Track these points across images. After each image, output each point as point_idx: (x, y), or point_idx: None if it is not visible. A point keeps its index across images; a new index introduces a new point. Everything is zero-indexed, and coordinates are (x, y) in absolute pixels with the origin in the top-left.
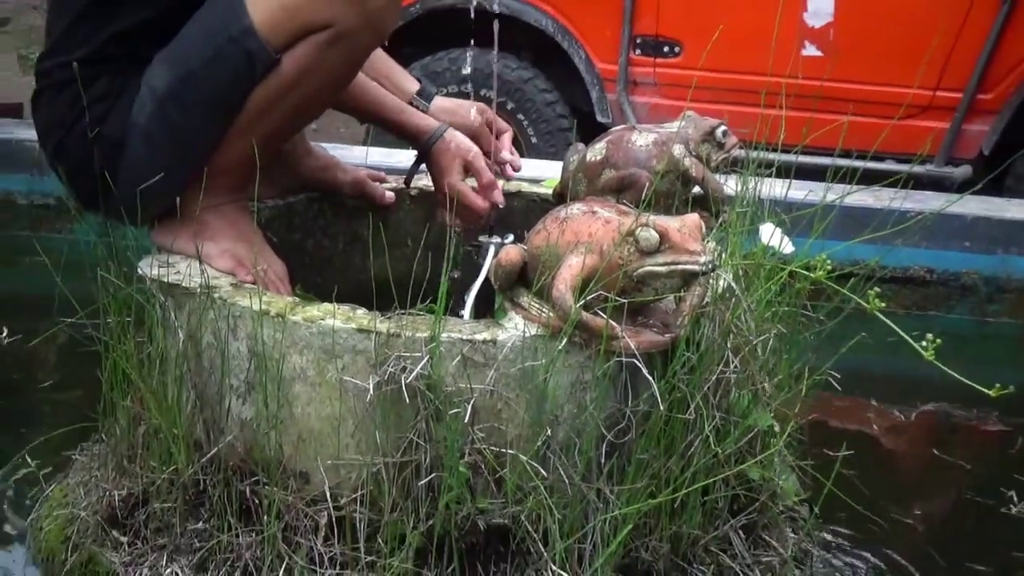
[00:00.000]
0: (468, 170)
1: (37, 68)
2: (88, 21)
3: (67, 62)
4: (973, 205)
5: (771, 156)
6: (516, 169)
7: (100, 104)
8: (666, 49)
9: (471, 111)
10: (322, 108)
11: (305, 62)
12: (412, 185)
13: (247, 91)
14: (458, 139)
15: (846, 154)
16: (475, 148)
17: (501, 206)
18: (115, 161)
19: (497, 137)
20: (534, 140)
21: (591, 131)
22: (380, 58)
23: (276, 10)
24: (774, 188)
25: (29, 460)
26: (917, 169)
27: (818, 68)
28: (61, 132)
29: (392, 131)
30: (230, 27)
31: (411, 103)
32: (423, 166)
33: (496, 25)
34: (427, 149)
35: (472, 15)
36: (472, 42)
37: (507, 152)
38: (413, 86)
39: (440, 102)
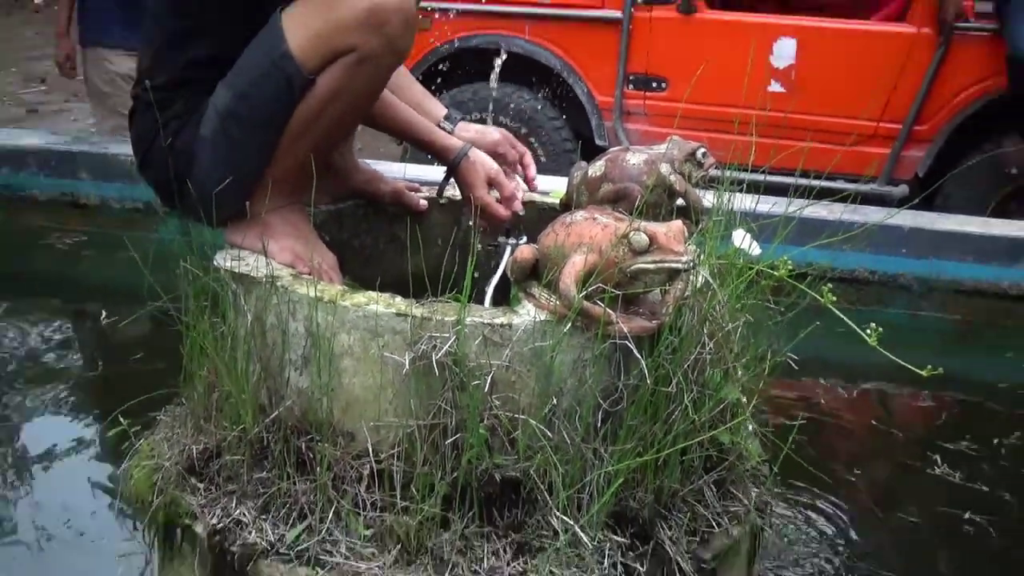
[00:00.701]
0: (491, 184)
1: (131, 93)
2: (167, 54)
3: (151, 87)
4: (909, 218)
5: (742, 175)
6: (533, 189)
7: (176, 121)
8: (654, 85)
9: (494, 135)
10: (355, 122)
11: (336, 82)
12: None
13: (290, 108)
14: (481, 157)
15: (805, 174)
16: (496, 166)
17: (521, 214)
18: (188, 170)
19: (521, 158)
20: (543, 159)
21: (591, 152)
22: (413, 87)
23: (309, 38)
24: (744, 201)
25: (122, 420)
26: (863, 188)
27: (782, 102)
28: (146, 145)
29: (423, 149)
30: (272, 53)
31: (439, 125)
32: (452, 180)
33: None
34: (455, 166)
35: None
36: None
37: (532, 170)
38: (441, 111)
39: (464, 126)
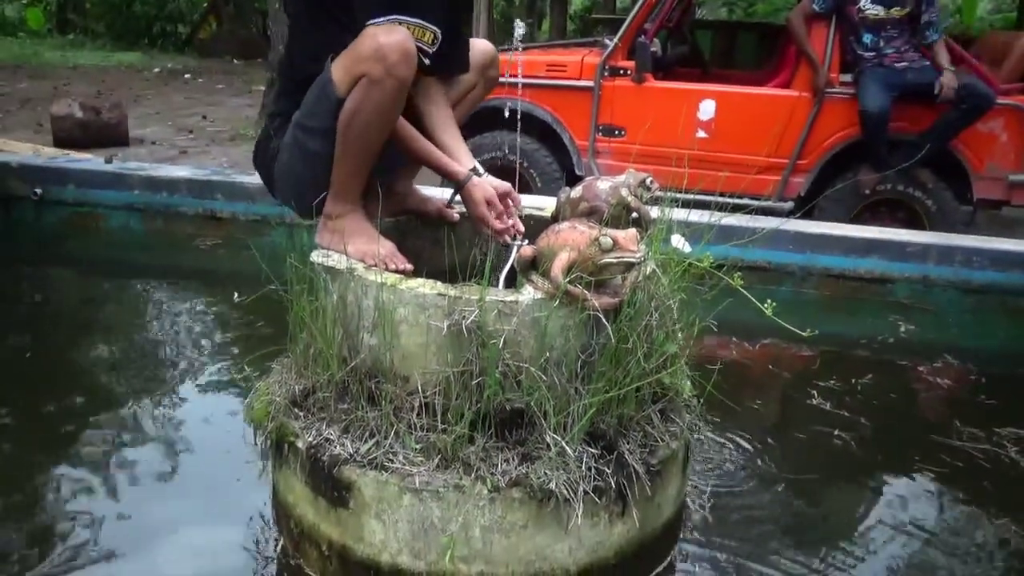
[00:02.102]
0: (489, 203)
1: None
2: (282, 79)
3: (269, 116)
4: (793, 224)
5: (679, 195)
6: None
7: (277, 130)
8: (616, 132)
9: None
10: (378, 135)
11: (355, 100)
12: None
13: (334, 121)
14: (482, 183)
15: (722, 194)
16: (492, 191)
17: (521, 230)
18: (275, 164)
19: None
20: (539, 185)
21: (573, 180)
22: (448, 130)
23: (342, 68)
24: (679, 214)
25: (246, 367)
26: (762, 203)
27: (706, 145)
28: (258, 146)
29: (439, 173)
30: (323, 80)
31: (472, 170)
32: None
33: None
34: (462, 187)
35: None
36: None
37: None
38: (466, 155)
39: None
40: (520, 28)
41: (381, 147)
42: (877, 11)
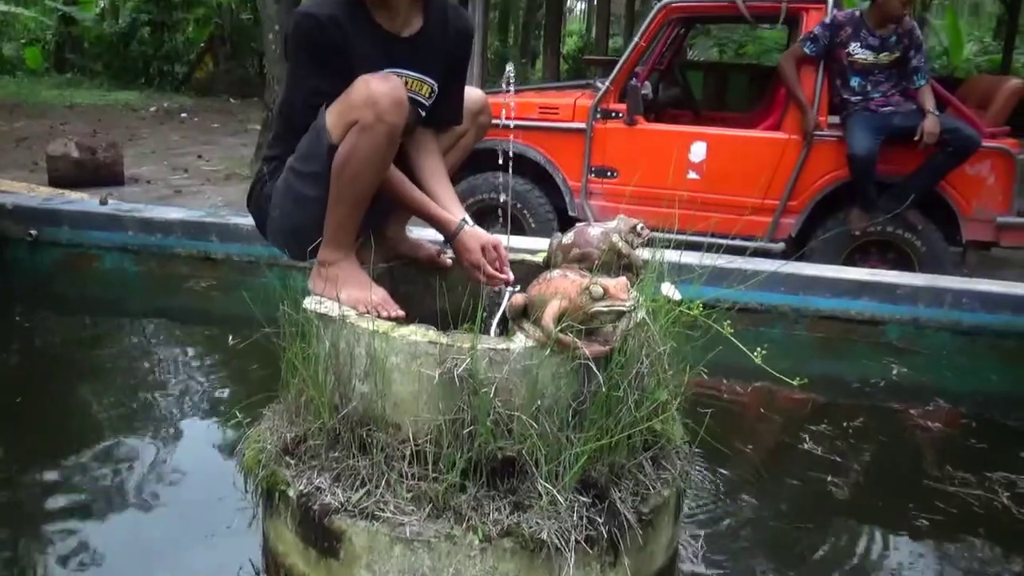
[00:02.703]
0: (484, 250)
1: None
2: (277, 126)
3: (263, 160)
4: (786, 267)
5: (671, 236)
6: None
7: (271, 174)
8: (608, 174)
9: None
10: (371, 181)
11: (348, 145)
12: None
13: (327, 167)
14: (476, 231)
15: (714, 235)
16: (486, 239)
17: (512, 279)
18: (268, 206)
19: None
20: (533, 226)
21: (566, 221)
22: (439, 180)
23: (335, 115)
24: (672, 255)
25: (238, 413)
26: (754, 244)
27: (698, 186)
28: (251, 189)
29: (429, 222)
30: (317, 127)
31: (463, 220)
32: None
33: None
34: (453, 237)
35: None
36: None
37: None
38: (455, 204)
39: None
40: (511, 71)
41: (373, 194)
42: (866, 56)
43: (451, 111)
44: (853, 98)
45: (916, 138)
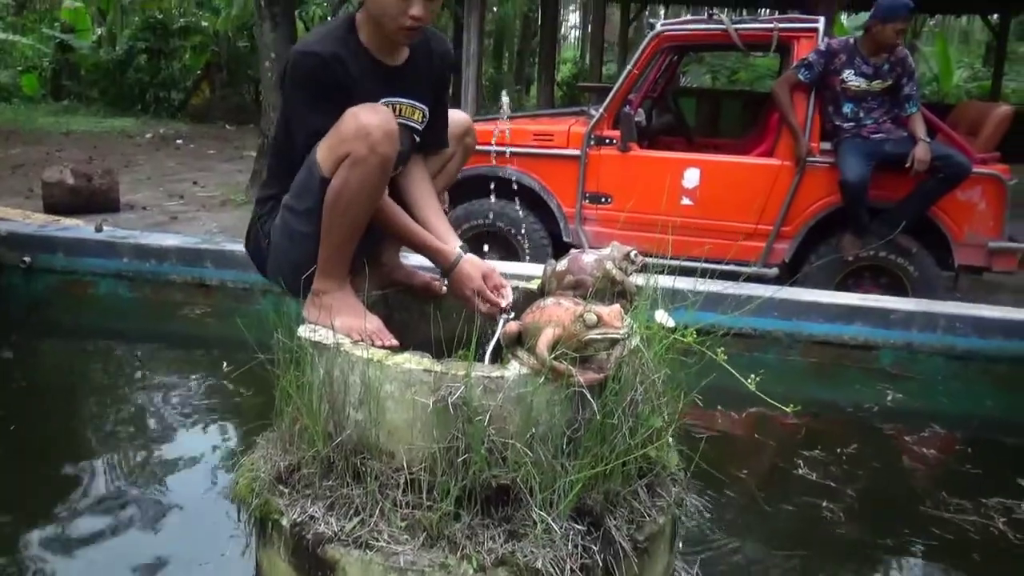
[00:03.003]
0: (485, 278)
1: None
2: (271, 164)
3: (260, 188)
4: (779, 292)
5: (665, 262)
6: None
7: (267, 214)
8: (603, 200)
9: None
10: (363, 213)
11: (340, 179)
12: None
13: (320, 201)
14: (476, 260)
15: (708, 261)
16: (486, 267)
17: (510, 302)
18: (266, 246)
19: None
20: (527, 251)
21: (560, 247)
22: (430, 206)
23: (326, 149)
24: (666, 282)
25: (232, 442)
26: (748, 270)
27: (691, 212)
28: (248, 229)
29: (424, 253)
30: (309, 162)
31: (460, 248)
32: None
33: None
34: (453, 267)
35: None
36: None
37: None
38: (447, 229)
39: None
40: (505, 100)
41: (366, 224)
42: (859, 83)
43: (437, 135)
44: (845, 124)
45: (907, 165)
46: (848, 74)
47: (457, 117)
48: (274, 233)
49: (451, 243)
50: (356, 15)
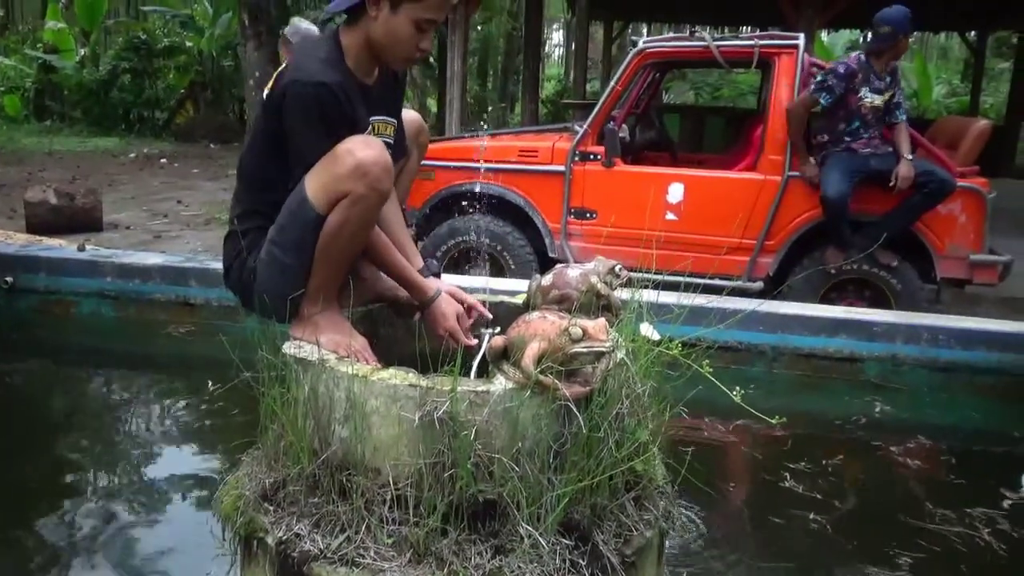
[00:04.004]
0: (458, 319)
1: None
2: (245, 197)
3: (237, 224)
4: (763, 306)
5: (649, 276)
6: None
7: (248, 248)
8: (587, 215)
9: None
10: (360, 245)
11: (339, 217)
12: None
13: (312, 236)
14: (449, 300)
15: (693, 275)
16: (459, 307)
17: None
18: (252, 280)
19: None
20: (512, 267)
21: (545, 262)
22: (402, 232)
23: (319, 187)
24: (650, 296)
25: (217, 460)
26: (732, 284)
27: (675, 227)
28: (228, 262)
29: (403, 285)
30: (298, 198)
31: (420, 271)
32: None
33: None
34: (427, 306)
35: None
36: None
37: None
38: (416, 255)
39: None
40: (486, 127)
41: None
42: (874, 99)
43: (402, 144)
44: (846, 139)
45: (891, 184)
46: (864, 91)
47: (409, 116)
48: (260, 267)
49: (415, 263)
50: (340, 38)
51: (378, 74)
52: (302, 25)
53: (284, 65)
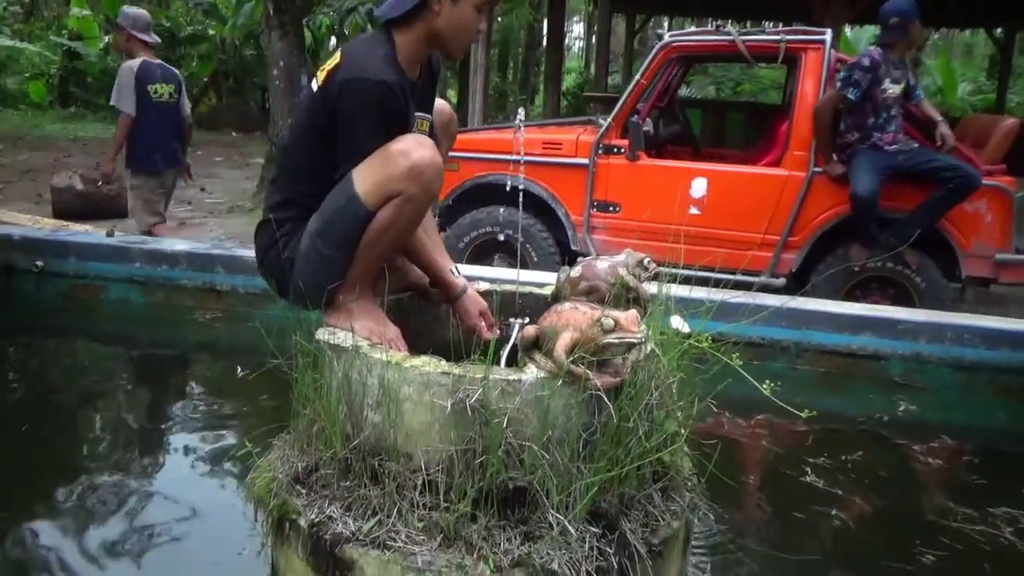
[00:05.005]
0: (482, 314)
1: (264, 217)
2: (282, 186)
3: (272, 214)
4: (787, 301)
5: (674, 271)
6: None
7: (286, 237)
8: (611, 208)
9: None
10: (404, 241)
11: (389, 215)
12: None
13: (358, 232)
14: (475, 297)
15: (715, 270)
16: (484, 304)
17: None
18: (291, 270)
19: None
20: (535, 260)
21: (568, 255)
22: (435, 246)
23: (371, 186)
24: (677, 290)
25: (248, 443)
26: (756, 279)
27: (698, 221)
28: (263, 252)
29: (433, 281)
30: (347, 194)
31: (451, 270)
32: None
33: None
34: (456, 300)
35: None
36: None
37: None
38: (445, 256)
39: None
40: (521, 113)
41: None
42: (895, 90)
43: (433, 138)
44: (876, 133)
45: (938, 144)
46: (886, 83)
47: (440, 106)
48: (300, 258)
49: (445, 265)
50: (394, 36)
51: (420, 71)
52: (131, 11)
53: (333, 60)
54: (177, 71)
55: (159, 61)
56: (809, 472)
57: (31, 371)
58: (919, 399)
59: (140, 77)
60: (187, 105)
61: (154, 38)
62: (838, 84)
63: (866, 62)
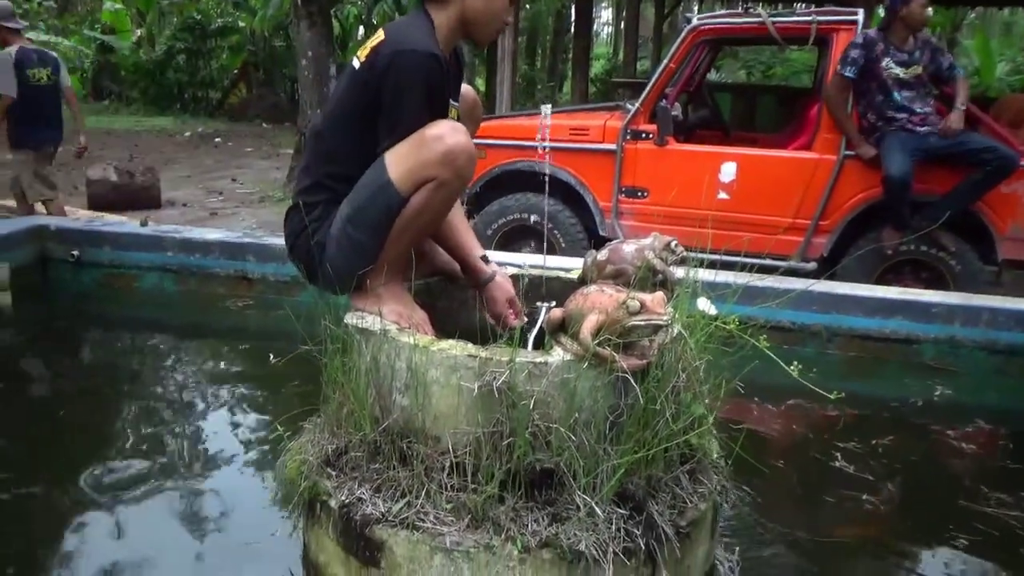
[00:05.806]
0: (510, 302)
1: (292, 201)
2: (313, 169)
3: (301, 198)
4: (817, 285)
5: (703, 256)
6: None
7: (316, 222)
8: (639, 194)
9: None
10: (436, 226)
11: (422, 200)
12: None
13: (391, 218)
14: (503, 283)
15: (746, 255)
16: (512, 291)
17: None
18: (321, 256)
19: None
20: (563, 245)
21: (596, 240)
22: (465, 232)
23: (404, 171)
24: (705, 275)
25: (279, 427)
26: (786, 264)
27: (728, 206)
28: (294, 238)
29: (462, 266)
30: (379, 180)
31: (482, 257)
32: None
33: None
34: (484, 285)
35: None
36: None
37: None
38: (474, 241)
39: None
40: (546, 109)
41: None
42: (899, 71)
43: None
44: (898, 115)
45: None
46: (887, 62)
47: (464, 91)
48: (331, 243)
49: (475, 252)
50: (432, 19)
51: (449, 58)
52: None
53: (376, 38)
54: (55, 53)
55: (34, 46)
56: (839, 457)
57: (67, 358)
58: (953, 383)
59: (18, 63)
60: (67, 78)
61: (19, 23)
62: (837, 67)
63: (859, 39)
